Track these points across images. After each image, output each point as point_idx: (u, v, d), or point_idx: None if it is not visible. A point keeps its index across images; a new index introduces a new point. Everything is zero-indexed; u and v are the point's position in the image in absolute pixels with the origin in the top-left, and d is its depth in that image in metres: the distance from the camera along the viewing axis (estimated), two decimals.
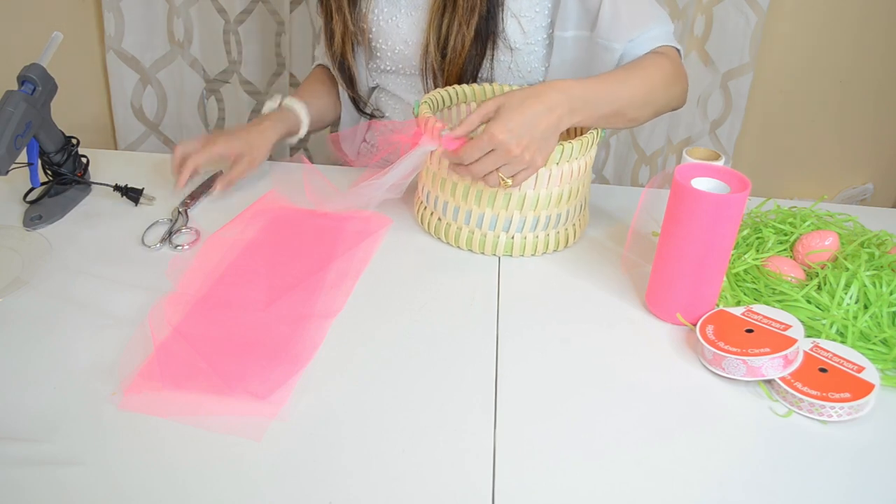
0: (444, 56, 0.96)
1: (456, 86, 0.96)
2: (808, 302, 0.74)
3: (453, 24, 0.94)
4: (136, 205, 0.93)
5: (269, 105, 1.04)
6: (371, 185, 0.83)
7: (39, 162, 0.89)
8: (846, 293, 0.74)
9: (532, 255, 0.86)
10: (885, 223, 0.89)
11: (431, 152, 0.83)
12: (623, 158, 1.64)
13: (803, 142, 1.60)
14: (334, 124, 1.18)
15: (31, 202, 0.90)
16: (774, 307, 0.72)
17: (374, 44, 1.04)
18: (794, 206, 0.93)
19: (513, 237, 0.85)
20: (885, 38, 1.47)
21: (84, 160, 0.95)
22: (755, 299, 0.76)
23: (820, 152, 1.61)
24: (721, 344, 0.67)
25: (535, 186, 0.81)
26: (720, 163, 0.83)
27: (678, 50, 0.93)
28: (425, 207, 0.90)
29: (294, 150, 1.62)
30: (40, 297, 0.75)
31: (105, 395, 0.62)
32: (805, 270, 0.79)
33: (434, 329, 0.73)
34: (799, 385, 0.64)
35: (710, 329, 0.69)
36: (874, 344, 0.70)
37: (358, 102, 1.11)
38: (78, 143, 0.93)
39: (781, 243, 0.84)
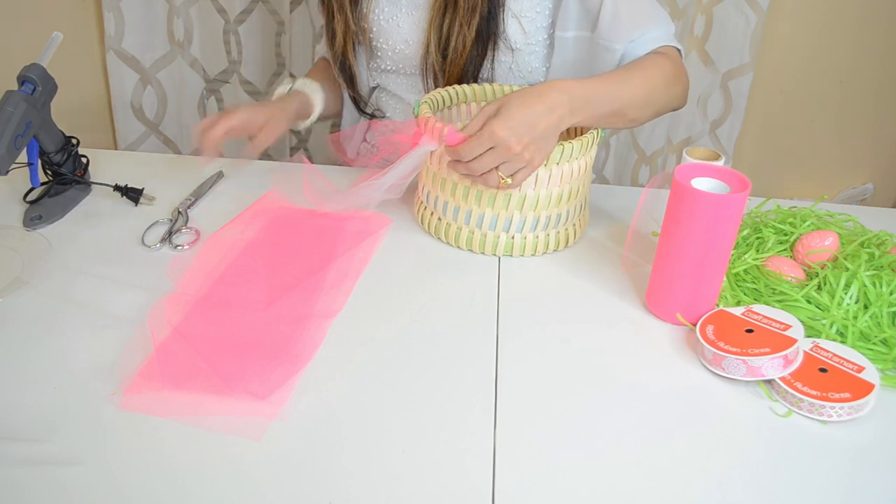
0: (444, 56, 0.97)
1: (456, 86, 0.96)
2: (808, 302, 0.74)
3: (454, 24, 0.94)
4: (136, 205, 0.93)
5: (280, 90, 1.04)
6: (371, 185, 0.83)
7: (39, 162, 0.89)
8: (846, 293, 0.74)
9: (532, 255, 0.86)
10: (885, 223, 0.89)
11: (431, 152, 0.83)
12: (623, 158, 1.64)
13: (803, 142, 1.60)
14: (336, 122, 1.18)
15: (31, 202, 0.90)
16: (774, 307, 0.72)
17: (374, 43, 1.04)
18: (794, 206, 0.93)
19: (513, 237, 0.85)
20: (885, 38, 1.47)
21: (84, 160, 0.95)
22: (755, 299, 0.76)
23: (820, 152, 1.61)
24: (721, 344, 0.67)
25: (535, 186, 0.81)
26: (720, 163, 0.83)
27: (679, 50, 0.93)
28: (425, 207, 0.90)
29: (294, 150, 1.62)
30: (40, 297, 0.75)
31: (105, 395, 0.62)
32: (805, 270, 0.79)
33: (434, 329, 0.73)
34: (799, 385, 0.64)
35: (710, 329, 0.69)
36: (874, 344, 0.70)
37: (358, 102, 1.11)
38: (78, 143, 0.93)
39: (781, 243, 0.84)
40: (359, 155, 1.09)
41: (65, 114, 0.96)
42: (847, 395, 0.62)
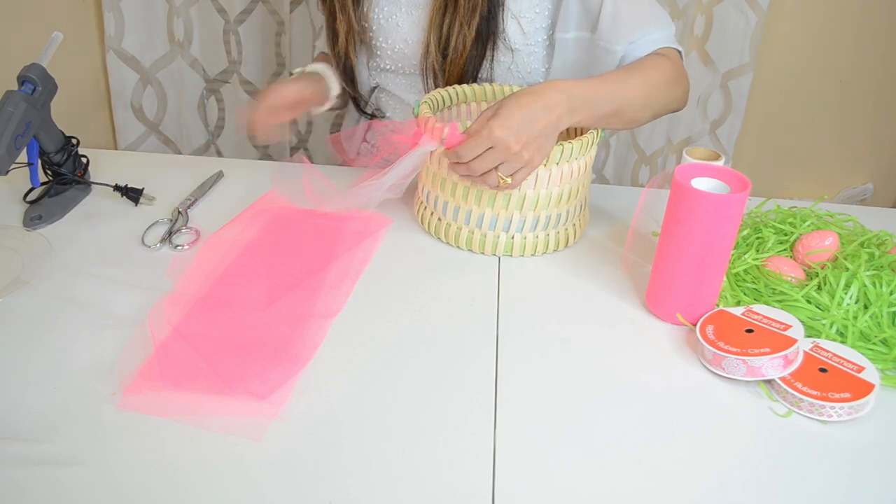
0: (444, 56, 0.97)
1: (456, 86, 0.96)
2: (808, 302, 0.74)
3: (454, 24, 0.94)
4: (136, 205, 0.93)
5: (297, 73, 1.05)
6: (371, 185, 0.83)
7: (39, 162, 0.89)
8: (846, 293, 0.74)
9: (532, 255, 0.86)
10: (885, 223, 0.89)
11: (431, 152, 0.83)
12: (623, 158, 1.64)
13: (803, 142, 1.60)
14: (337, 123, 1.18)
15: (31, 202, 0.90)
16: (774, 307, 0.72)
17: (374, 42, 1.04)
18: (794, 206, 0.93)
19: (513, 237, 0.85)
20: (885, 38, 1.47)
21: (84, 160, 0.95)
22: (755, 299, 0.76)
23: (820, 152, 1.61)
24: (721, 344, 0.67)
25: (535, 186, 0.81)
26: (720, 163, 0.83)
27: (679, 52, 0.93)
28: (425, 207, 0.90)
29: (294, 150, 1.62)
30: (40, 297, 0.75)
31: (105, 395, 0.62)
32: (805, 270, 0.79)
33: (434, 329, 0.73)
34: (799, 385, 0.64)
35: (710, 329, 0.69)
36: (874, 344, 0.70)
37: (359, 102, 1.11)
38: (78, 143, 0.93)
39: (781, 243, 0.84)
40: (359, 155, 1.09)
41: (65, 114, 0.96)
42: (847, 395, 0.62)
